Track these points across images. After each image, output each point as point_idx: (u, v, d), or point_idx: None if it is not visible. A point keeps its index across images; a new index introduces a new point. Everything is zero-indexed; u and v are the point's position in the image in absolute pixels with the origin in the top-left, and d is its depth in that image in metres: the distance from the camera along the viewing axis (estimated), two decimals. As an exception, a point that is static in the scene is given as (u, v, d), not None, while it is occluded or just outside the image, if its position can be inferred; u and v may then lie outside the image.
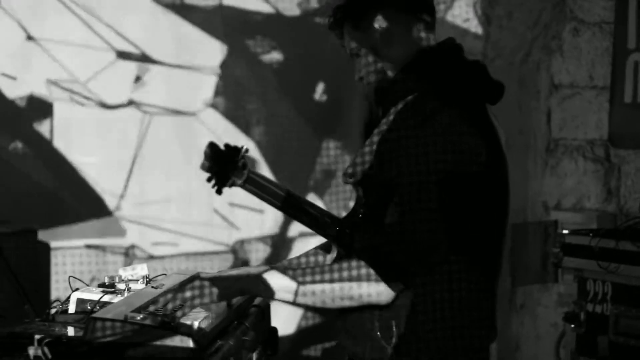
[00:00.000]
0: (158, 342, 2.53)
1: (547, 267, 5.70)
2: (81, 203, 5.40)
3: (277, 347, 3.27)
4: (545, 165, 5.86)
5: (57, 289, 5.14)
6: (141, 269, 3.20)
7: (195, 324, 2.61)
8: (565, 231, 4.94)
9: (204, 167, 2.88)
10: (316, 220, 2.91)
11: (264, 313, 3.19)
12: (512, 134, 5.86)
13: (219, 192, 2.90)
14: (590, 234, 4.76)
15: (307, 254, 3.07)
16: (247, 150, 2.88)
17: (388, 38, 2.80)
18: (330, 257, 2.96)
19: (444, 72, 2.73)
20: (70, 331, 2.70)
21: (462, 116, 2.63)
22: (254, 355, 2.99)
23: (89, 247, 5.38)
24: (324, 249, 3.04)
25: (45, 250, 5.10)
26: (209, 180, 2.92)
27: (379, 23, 2.79)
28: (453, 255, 2.63)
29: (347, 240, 2.82)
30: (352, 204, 2.97)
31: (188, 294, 2.65)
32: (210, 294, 2.66)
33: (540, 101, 5.90)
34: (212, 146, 2.89)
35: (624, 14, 5.45)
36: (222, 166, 2.86)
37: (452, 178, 2.59)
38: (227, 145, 2.86)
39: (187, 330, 2.56)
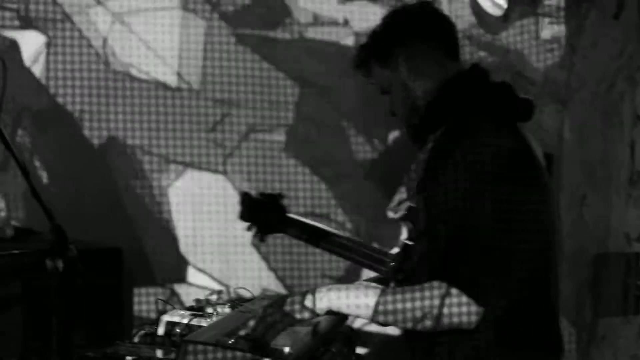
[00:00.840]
0: (250, 367, 2.55)
1: (629, 299, 5.64)
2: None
3: (362, 373, 3.28)
4: (629, 197, 5.79)
5: (140, 311, 5.17)
6: (227, 293, 3.23)
7: (286, 349, 2.62)
8: (648, 263, 4.90)
9: (243, 218, 2.90)
10: (365, 257, 2.92)
11: (350, 339, 3.19)
12: (595, 165, 5.81)
13: (262, 239, 2.93)
14: (675, 267, 4.71)
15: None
16: (282, 197, 2.91)
17: (415, 71, 2.83)
18: None
19: (472, 98, 2.74)
20: (159, 354, 2.73)
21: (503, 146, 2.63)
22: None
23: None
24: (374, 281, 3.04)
25: (128, 272, 5.12)
26: (248, 229, 2.94)
27: (405, 58, 2.82)
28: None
29: (402, 274, 2.83)
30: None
31: (278, 317, 2.66)
32: (300, 315, 2.66)
33: (624, 132, 5.84)
34: (246, 195, 2.92)
35: None
36: (263, 214, 2.89)
37: (509, 221, 2.60)
38: (262, 194, 2.90)
39: (279, 355, 2.58)
